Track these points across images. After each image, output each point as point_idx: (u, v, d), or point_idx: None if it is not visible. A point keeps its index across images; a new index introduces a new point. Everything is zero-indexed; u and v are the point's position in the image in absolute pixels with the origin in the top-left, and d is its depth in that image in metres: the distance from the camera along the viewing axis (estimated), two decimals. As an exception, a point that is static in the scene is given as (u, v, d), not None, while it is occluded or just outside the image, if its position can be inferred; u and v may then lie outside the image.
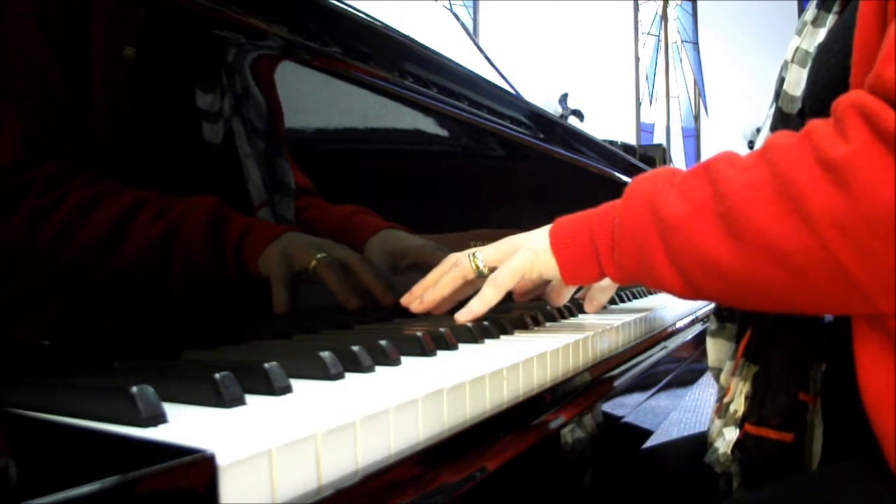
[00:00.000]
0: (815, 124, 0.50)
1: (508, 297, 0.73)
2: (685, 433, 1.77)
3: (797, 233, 0.49)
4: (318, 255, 0.68)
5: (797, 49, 0.71)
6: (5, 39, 0.47)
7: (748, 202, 0.51)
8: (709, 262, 0.54)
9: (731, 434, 0.67)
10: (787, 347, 0.66)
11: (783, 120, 0.71)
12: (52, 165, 0.49)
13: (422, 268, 0.81)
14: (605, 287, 0.89)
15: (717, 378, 0.75)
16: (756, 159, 0.52)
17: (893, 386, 0.51)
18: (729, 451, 0.67)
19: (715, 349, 0.76)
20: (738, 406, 0.68)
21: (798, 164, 0.49)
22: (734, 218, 0.52)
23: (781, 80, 0.72)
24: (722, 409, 0.70)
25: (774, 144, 0.52)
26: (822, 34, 0.69)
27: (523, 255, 0.69)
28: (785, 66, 0.72)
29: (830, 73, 0.62)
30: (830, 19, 0.70)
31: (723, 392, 0.71)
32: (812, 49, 0.70)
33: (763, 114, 0.76)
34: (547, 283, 0.80)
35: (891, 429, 0.51)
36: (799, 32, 0.72)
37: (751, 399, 0.67)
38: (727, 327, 0.75)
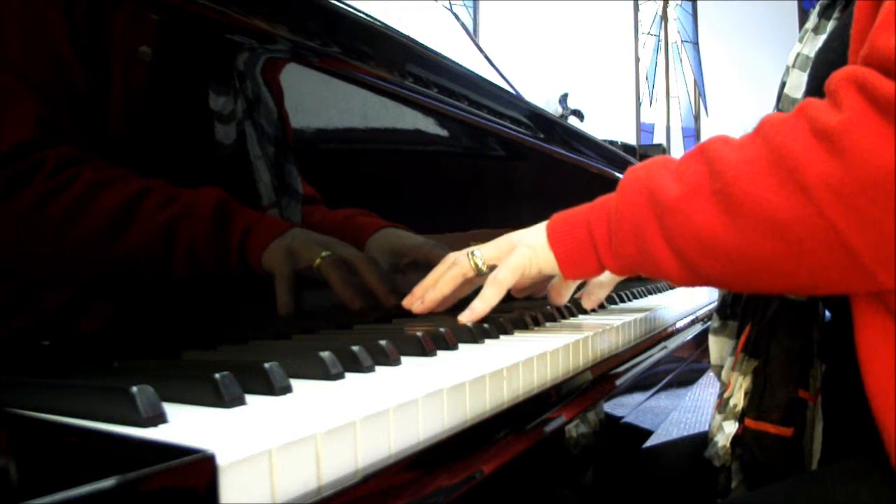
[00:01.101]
0: (808, 100, 0.51)
1: (509, 296, 0.73)
2: (685, 433, 1.77)
3: (794, 203, 0.49)
4: (323, 254, 0.68)
5: (798, 55, 0.72)
6: (29, 25, 0.48)
7: (744, 176, 0.51)
8: (706, 240, 0.54)
9: (731, 428, 0.67)
10: (786, 343, 0.66)
11: None
12: (64, 148, 0.49)
13: (421, 265, 0.81)
14: (604, 283, 0.89)
15: (718, 376, 0.75)
16: (751, 137, 0.53)
17: (894, 371, 0.51)
18: (728, 445, 0.67)
19: (717, 346, 0.76)
20: (738, 400, 0.68)
21: (793, 136, 0.49)
22: (731, 193, 0.52)
23: (783, 85, 0.73)
24: (722, 404, 0.70)
25: (768, 122, 0.52)
26: (821, 40, 0.70)
27: (522, 252, 0.69)
28: (787, 72, 0.73)
29: (830, 69, 0.63)
30: (830, 26, 0.71)
31: (724, 388, 0.71)
32: (812, 54, 0.71)
33: (763, 114, 0.77)
34: (546, 279, 0.80)
35: (891, 417, 0.51)
36: (801, 40, 0.74)
37: (750, 394, 0.67)
38: (729, 325, 0.75)
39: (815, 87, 0.67)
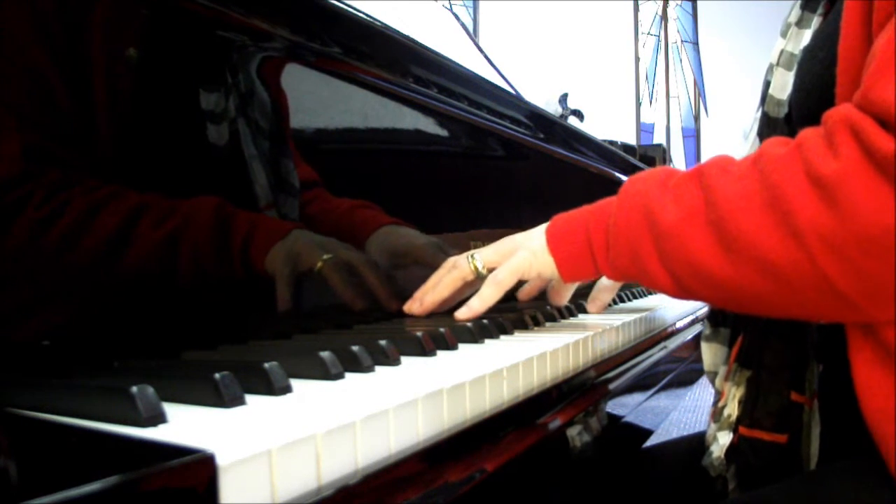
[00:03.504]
0: (806, 136, 0.51)
1: (510, 296, 0.73)
2: (685, 433, 1.76)
3: (786, 246, 0.49)
4: (325, 257, 0.68)
5: (782, 52, 0.71)
6: (2, 48, 0.46)
7: (739, 212, 0.52)
8: (700, 268, 0.54)
9: (725, 438, 0.68)
10: (780, 351, 0.66)
11: (769, 125, 0.71)
12: (54, 173, 0.48)
13: (424, 266, 0.81)
14: (609, 287, 0.89)
15: (713, 382, 0.75)
16: (748, 168, 0.53)
17: (892, 395, 0.51)
18: (722, 456, 0.67)
19: (710, 353, 0.76)
20: (732, 410, 0.68)
21: (788, 177, 0.49)
22: (725, 227, 0.52)
23: (767, 84, 0.72)
24: (716, 413, 0.70)
25: (766, 154, 0.52)
26: (806, 36, 0.69)
27: (522, 255, 0.70)
28: (770, 70, 0.72)
29: (816, 81, 0.63)
30: (815, 21, 0.69)
31: (718, 397, 0.71)
32: (797, 51, 0.69)
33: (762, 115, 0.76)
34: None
35: (891, 435, 0.51)
36: (783, 34, 0.72)
37: (744, 402, 0.67)
38: (721, 331, 0.75)
39: (802, 98, 0.66)
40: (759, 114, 0.73)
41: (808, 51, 0.67)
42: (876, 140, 0.45)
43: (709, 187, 0.54)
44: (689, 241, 0.54)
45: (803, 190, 0.48)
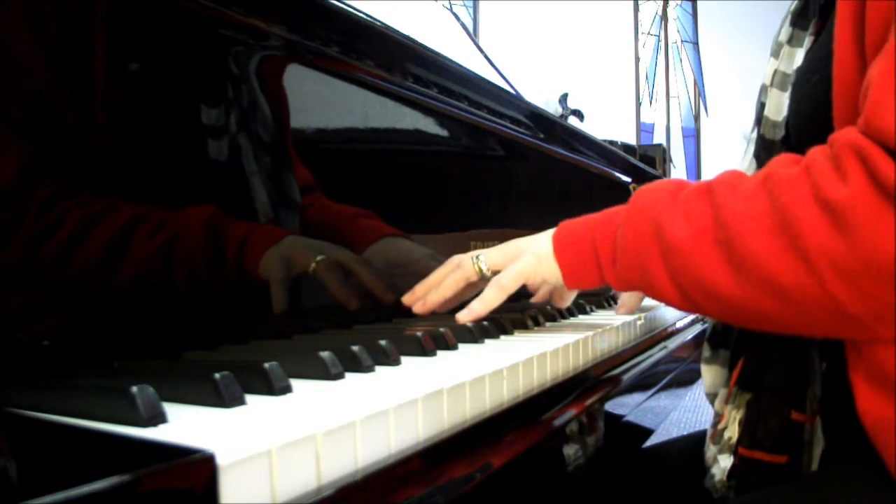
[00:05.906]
0: (815, 156, 0.50)
1: (512, 297, 0.73)
2: (685, 432, 1.76)
3: (795, 269, 0.49)
4: (318, 258, 0.68)
5: (775, 72, 0.70)
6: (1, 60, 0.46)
7: (748, 233, 0.52)
8: (708, 286, 0.54)
9: (726, 461, 0.68)
10: (781, 372, 0.66)
11: (766, 148, 0.71)
12: (51, 185, 0.48)
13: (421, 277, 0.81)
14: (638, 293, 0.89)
15: (712, 402, 0.75)
16: (756, 188, 0.53)
17: (891, 405, 0.51)
18: (725, 478, 0.68)
19: (710, 375, 0.76)
20: (732, 433, 0.68)
21: (797, 200, 0.49)
22: (734, 248, 0.52)
23: (762, 106, 0.71)
24: (717, 435, 0.70)
25: (775, 174, 0.52)
26: (799, 55, 0.69)
27: (527, 260, 0.69)
28: (764, 91, 0.71)
29: (812, 105, 0.62)
30: (807, 40, 0.69)
31: (717, 419, 0.71)
32: (790, 71, 0.69)
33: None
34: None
35: (891, 444, 0.51)
36: (775, 54, 0.71)
37: (744, 424, 0.67)
38: (721, 353, 0.75)
39: (800, 122, 0.66)
40: (754, 135, 0.73)
41: (801, 74, 0.67)
42: (882, 167, 0.46)
43: (718, 205, 0.54)
44: (698, 259, 0.55)
45: (813, 214, 0.48)
